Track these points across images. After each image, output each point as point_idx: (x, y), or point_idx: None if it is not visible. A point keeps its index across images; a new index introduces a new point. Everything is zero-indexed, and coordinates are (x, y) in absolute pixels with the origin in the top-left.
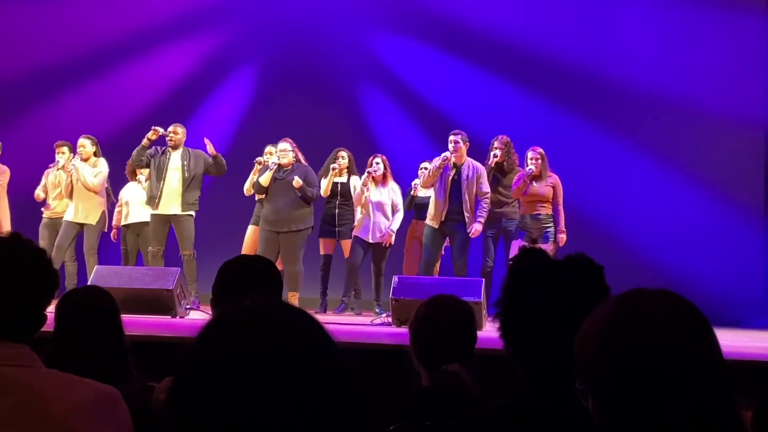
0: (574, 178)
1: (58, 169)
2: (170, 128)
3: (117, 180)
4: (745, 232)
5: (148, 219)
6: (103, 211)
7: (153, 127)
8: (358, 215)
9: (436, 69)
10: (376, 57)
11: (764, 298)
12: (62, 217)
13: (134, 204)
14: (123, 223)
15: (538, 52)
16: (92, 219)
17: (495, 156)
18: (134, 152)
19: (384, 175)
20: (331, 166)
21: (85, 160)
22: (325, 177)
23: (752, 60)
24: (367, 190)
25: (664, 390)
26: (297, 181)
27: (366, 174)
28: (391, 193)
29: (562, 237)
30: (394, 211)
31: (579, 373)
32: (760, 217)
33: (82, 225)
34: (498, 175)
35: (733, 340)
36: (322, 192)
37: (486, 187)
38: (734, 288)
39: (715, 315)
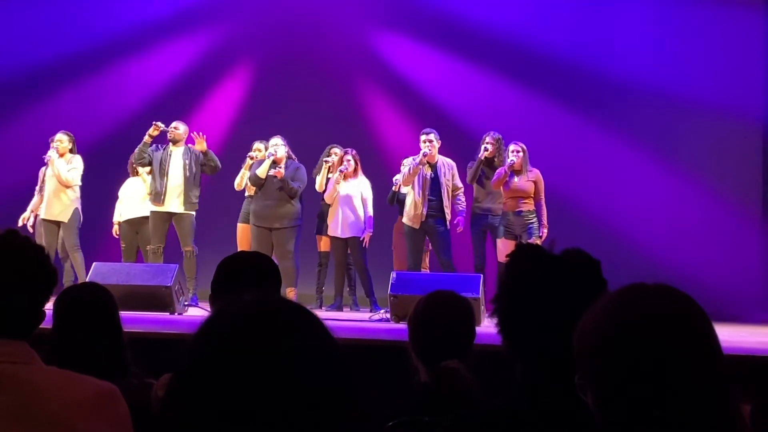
0: (572, 174)
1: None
2: (172, 124)
3: (116, 177)
4: (744, 227)
5: (145, 214)
6: (76, 209)
7: (154, 123)
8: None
9: (434, 65)
10: (374, 53)
11: (763, 293)
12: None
13: (131, 200)
14: (118, 219)
15: (537, 48)
16: (64, 216)
17: (486, 150)
18: (137, 150)
19: (354, 170)
20: (324, 159)
21: (61, 155)
22: (319, 173)
23: (750, 56)
24: (339, 189)
25: (663, 384)
26: (279, 171)
27: (338, 172)
28: (360, 186)
29: (544, 231)
30: (363, 205)
31: (578, 368)
32: (758, 211)
33: (57, 222)
34: (486, 169)
35: (731, 335)
36: (317, 187)
37: (460, 182)
38: (733, 283)
39: (714, 310)
